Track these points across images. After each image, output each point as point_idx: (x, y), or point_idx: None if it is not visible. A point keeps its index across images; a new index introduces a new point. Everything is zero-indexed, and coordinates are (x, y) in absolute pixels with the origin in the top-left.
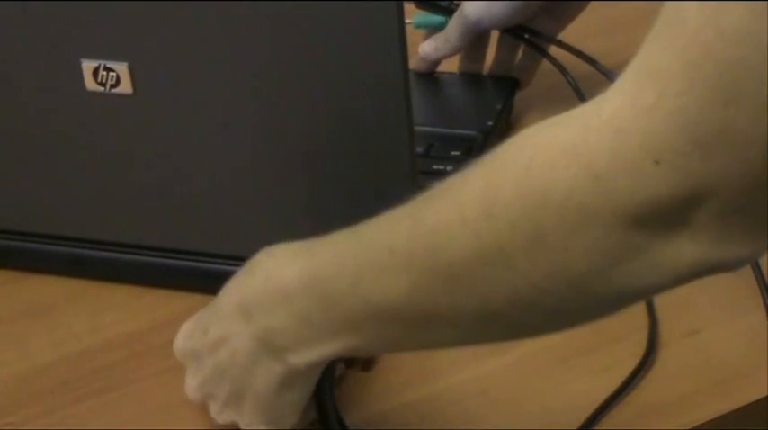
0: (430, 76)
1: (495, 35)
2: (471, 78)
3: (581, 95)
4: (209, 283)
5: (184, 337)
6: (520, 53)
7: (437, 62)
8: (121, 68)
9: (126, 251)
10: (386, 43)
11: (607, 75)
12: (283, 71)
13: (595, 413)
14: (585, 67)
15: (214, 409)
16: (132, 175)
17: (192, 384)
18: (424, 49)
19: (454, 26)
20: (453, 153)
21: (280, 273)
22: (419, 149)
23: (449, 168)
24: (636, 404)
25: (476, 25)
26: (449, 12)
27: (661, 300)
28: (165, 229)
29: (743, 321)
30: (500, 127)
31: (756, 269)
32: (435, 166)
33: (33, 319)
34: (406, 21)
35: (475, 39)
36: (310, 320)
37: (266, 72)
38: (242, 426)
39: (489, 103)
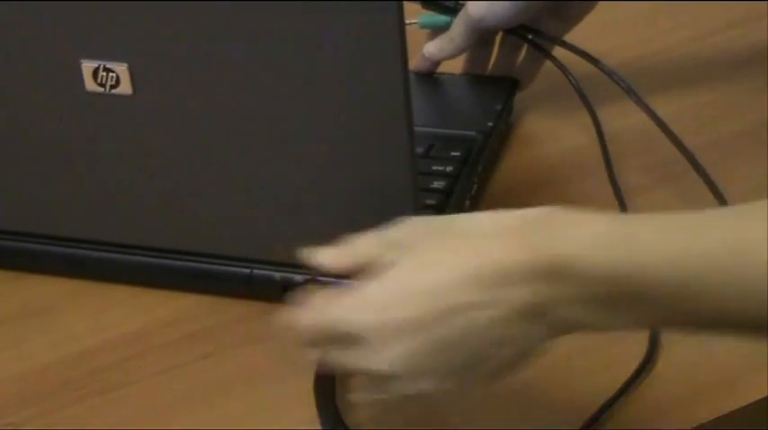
0: (430, 76)
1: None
2: (471, 79)
3: (583, 96)
4: (209, 283)
5: (381, 310)
6: (522, 54)
7: (438, 62)
8: (121, 69)
9: (125, 251)
10: (386, 43)
11: (610, 75)
12: (282, 71)
13: (597, 413)
14: (586, 68)
15: (426, 385)
16: (132, 176)
17: (375, 359)
18: (428, 49)
19: (458, 26)
20: (453, 153)
21: (593, 258)
22: (419, 149)
23: (449, 169)
24: (637, 404)
25: (479, 24)
26: (455, 12)
27: None
28: (164, 229)
29: None
30: (500, 127)
31: None
32: (435, 167)
33: (32, 320)
34: (410, 21)
35: (479, 40)
36: (619, 313)
37: (265, 72)
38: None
39: (489, 104)
